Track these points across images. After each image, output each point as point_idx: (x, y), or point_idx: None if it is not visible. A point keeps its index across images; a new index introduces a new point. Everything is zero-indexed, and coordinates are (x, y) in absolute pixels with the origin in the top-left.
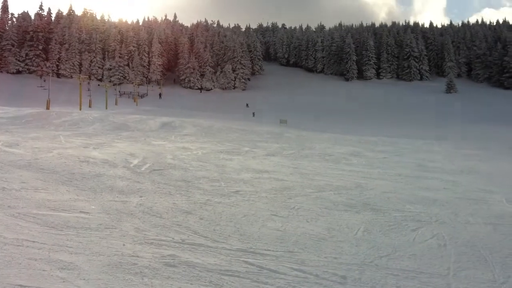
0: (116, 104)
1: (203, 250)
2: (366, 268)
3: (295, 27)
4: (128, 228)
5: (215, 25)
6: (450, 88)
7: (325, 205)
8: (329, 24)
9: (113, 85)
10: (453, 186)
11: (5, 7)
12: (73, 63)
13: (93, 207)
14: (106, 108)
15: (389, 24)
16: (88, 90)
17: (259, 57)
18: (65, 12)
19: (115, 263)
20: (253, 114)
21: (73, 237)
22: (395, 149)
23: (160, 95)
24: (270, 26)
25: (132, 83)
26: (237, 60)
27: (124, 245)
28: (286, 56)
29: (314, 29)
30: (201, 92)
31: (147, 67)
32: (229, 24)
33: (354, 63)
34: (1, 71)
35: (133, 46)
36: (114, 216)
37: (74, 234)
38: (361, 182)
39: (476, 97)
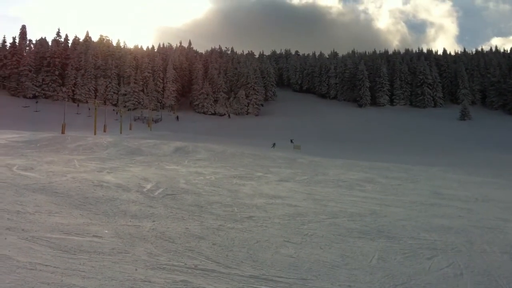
0: (130, 129)
1: (216, 276)
2: None
3: (308, 54)
4: (141, 253)
5: (229, 52)
6: (464, 115)
7: (339, 232)
8: (343, 51)
9: (128, 110)
10: (469, 214)
11: (24, 34)
12: (88, 88)
13: (106, 231)
14: (121, 133)
15: (402, 51)
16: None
17: (272, 83)
18: (82, 38)
19: None
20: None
21: (86, 261)
22: (409, 175)
23: (177, 117)
24: (283, 52)
25: (147, 108)
26: (251, 86)
27: (136, 270)
28: (299, 82)
29: (327, 56)
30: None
31: (162, 92)
32: (242, 51)
33: (368, 89)
34: (18, 96)
35: (148, 72)
36: (127, 240)
37: (87, 259)
38: (375, 209)
39: (491, 124)
